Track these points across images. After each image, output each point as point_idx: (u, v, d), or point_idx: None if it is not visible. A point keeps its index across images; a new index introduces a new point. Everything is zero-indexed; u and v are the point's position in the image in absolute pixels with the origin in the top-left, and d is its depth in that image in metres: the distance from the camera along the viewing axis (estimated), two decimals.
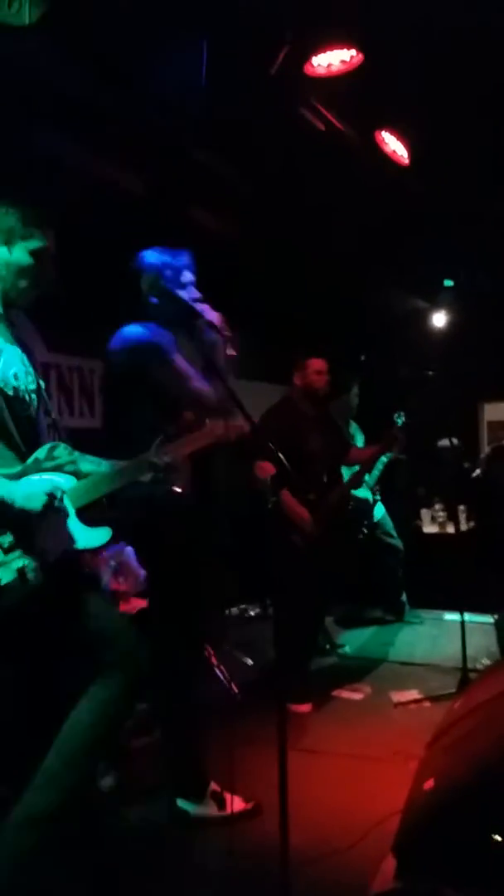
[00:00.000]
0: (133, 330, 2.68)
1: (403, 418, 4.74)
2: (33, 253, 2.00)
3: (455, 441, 4.80)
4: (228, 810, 2.69)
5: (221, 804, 2.72)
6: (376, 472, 5.30)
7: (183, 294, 2.57)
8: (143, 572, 3.69)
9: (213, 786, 2.75)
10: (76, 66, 2.80)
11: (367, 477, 5.18)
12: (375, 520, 5.40)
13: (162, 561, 2.68)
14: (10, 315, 2.05)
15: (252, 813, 2.72)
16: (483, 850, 2.05)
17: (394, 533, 5.54)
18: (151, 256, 2.67)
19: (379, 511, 5.45)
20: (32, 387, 2.02)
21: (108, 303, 4.61)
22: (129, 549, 3.71)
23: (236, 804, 2.71)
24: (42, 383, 2.07)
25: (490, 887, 2.04)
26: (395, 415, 4.80)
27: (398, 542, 5.53)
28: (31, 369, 2.04)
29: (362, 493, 5.21)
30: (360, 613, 5.72)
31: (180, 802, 2.74)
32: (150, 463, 2.10)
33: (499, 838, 2.04)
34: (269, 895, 2.10)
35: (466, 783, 2.24)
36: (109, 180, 3.87)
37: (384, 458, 5.25)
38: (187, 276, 2.63)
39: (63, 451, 1.97)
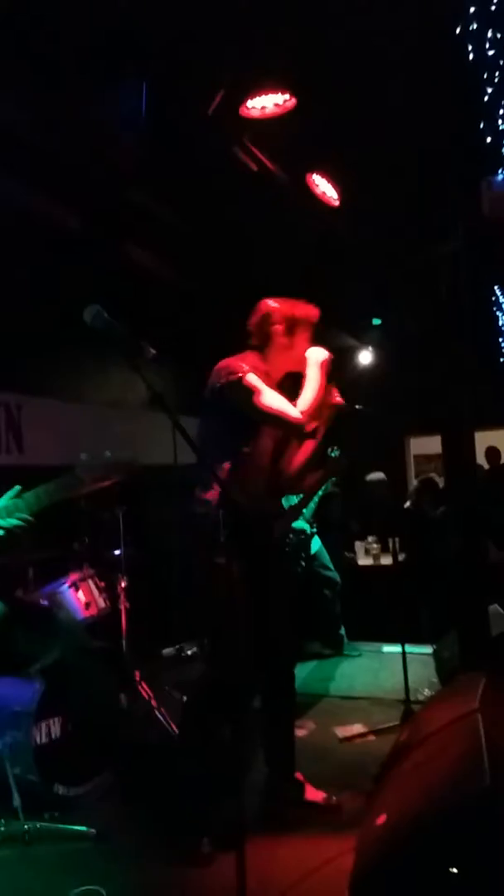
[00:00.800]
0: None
1: (338, 451, 4.83)
2: None
3: (379, 475, 4.91)
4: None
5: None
6: (312, 504, 5.33)
7: None
8: (78, 613, 3.58)
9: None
10: (14, 104, 2.78)
11: (304, 509, 5.20)
12: (312, 552, 5.42)
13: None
14: None
15: None
16: (441, 884, 2.02)
17: (330, 565, 5.57)
18: None
19: (315, 544, 5.47)
20: None
21: (35, 339, 4.57)
22: (65, 588, 3.59)
23: None
24: None
25: None
26: (329, 449, 4.88)
27: (335, 575, 5.56)
28: None
29: (299, 524, 5.23)
30: (299, 648, 5.69)
31: None
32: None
33: (455, 870, 2.02)
34: None
35: (420, 816, 2.22)
36: (44, 216, 3.84)
37: (320, 491, 5.29)
38: None
39: None
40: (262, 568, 2.85)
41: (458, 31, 2.76)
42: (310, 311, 3.00)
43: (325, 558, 5.56)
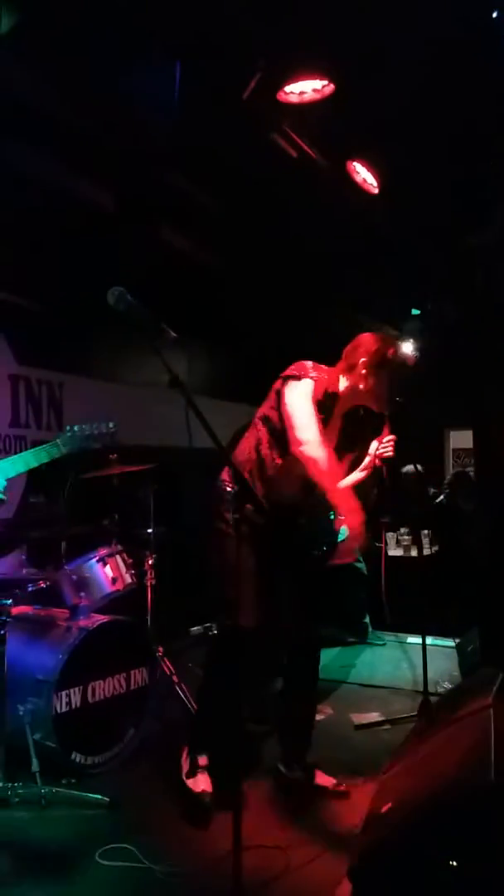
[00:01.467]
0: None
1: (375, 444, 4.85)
2: None
3: (419, 467, 4.87)
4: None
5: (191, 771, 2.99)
6: None
7: None
8: (106, 587, 3.67)
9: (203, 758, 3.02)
10: (49, 84, 2.83)
11: None
12: (338, 540, 5.42)
13: None
14: None
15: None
16: (438, 875, 2.04)
17: (359, 556, 5.57)
18: None
19: (343, 532, 5.47)
20: None
21: (77, 317, 4.67)
22: (93, 563, 3.68)
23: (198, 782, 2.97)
24: None
25: None
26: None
27: (362, 566, 5.55)
28: None
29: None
30: (322, 634, 5.71)
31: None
32: None
33: (454, 863, 2.03)
34: None
35: (423, 807, 2.24)
36: (82, 198, 3.90)
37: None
38: None
39: None
40: (273, 548, 2.88)
41: (495, 14, 2.69)
42: (404, 357, 3.01)
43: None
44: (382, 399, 2.98)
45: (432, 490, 5.19)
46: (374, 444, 3.07)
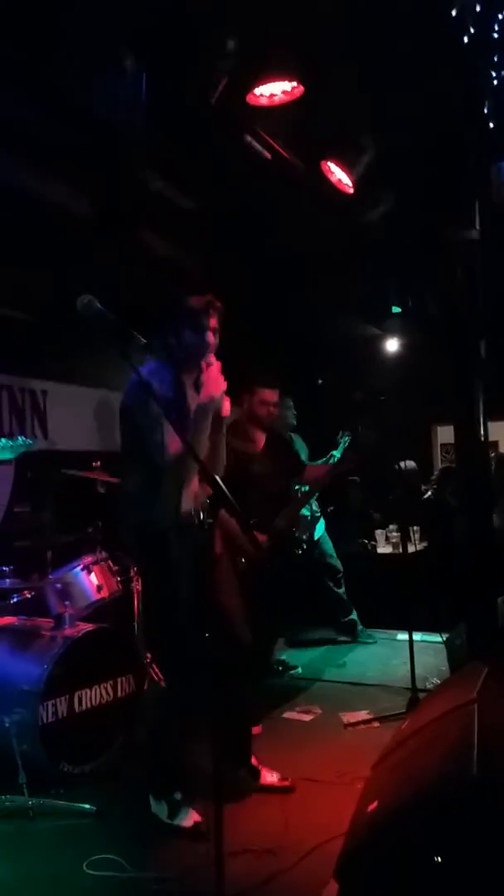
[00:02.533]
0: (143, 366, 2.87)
1: (347, 439, 4.88)
2: None
3: (411, 464, 4.88)
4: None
5: (173, 812, 2.85)
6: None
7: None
8: (91, 595, 3.66)
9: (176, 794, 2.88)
10: (19, 93, 2.82)
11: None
12: (315, 538, 5.42)
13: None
14: None
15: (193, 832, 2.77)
16: (424, 872, 2.04)
17: (332, 552, 5.57)
18: None
19: (318, 530, 5.47)
20: None
21: (59, 324, 4.65)
22: (77, 571, 3.67)
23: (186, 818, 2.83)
24: None
25: None
26: (339, 435, 4.94)
27: (337, 563, 5.56)
28: None
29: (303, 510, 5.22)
30: (312, 634, 5.72)
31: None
32: None
33: (439, 860, 2.03)
34: None
35: (408, 804, 2.24)
36: (59, 205, 3.89)
37: None
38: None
39: None
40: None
41: (454, 13, 2.70)
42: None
43: (328, 546, 5.56)
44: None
45: (424, 487, 5.19)
46: None
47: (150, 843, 2.76)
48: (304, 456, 5.43)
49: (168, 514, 2.79)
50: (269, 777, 3.15)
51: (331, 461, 4.91)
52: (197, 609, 2.79)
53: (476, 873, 1.98)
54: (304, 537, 5.05)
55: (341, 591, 5.58)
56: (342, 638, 5.61)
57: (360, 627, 5.63)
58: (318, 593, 5.51)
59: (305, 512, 5.20)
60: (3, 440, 3.21)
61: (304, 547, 5.05)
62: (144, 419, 2.74)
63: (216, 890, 2.02)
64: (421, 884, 2.03)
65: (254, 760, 3.16)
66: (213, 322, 2.88)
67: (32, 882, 2.55)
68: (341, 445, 5.01)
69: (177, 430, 2.44)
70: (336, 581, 5.56)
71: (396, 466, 5.30)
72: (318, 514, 5.36)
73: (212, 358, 2.86)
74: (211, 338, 2.87)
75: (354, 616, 5.64)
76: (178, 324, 2.90)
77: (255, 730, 3.69)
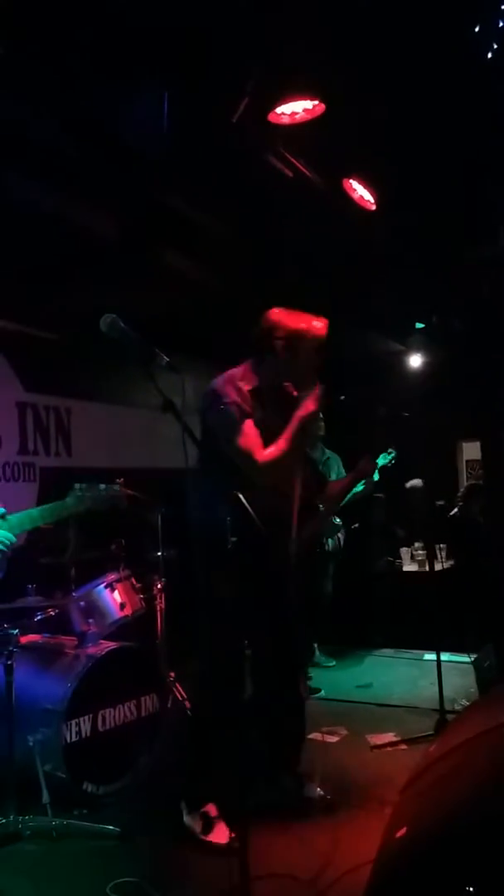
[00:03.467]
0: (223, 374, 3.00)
1: (391, 457, 4.88)
2: None
3: (417, 482, 4.85)
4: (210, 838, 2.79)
5: (207, 827, 2.81)
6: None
7: None
8: (114, 613, 3.65)
9: (211, 808, 2.84)
10: (44, 113, 2.86)
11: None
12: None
13: None
14: None
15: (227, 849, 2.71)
16: None
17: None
18: None
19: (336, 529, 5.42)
20: None
21: (83, 343, 4.70)
22: (101, 589, 3.66)
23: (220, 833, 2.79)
24: None
25: None
26: (386, 453, 4.93)
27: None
28: None
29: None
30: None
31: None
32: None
33: (471, 890, 1.97)
34: None
35: (439, 831, 2.18)
36: (84, 225, 3.93)
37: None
38: None
39: None
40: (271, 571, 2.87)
41: (476, 29, 2.70)
42: (316, 329, 2.94)
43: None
44: (305, 373, 2.96)
45: (439, 503, 5.12)
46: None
47: (174, 867, 2.72)
48: (336, 471, 5.38)
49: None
50: (311, 791, 3.14)
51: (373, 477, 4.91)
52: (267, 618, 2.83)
53: None
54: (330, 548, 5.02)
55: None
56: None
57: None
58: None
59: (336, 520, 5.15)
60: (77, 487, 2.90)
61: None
62: (223, 428, 2.84)
63: None
64: None
65: (299, 769, 3.18)
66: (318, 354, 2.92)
67: None
68: (381, 460, 4.99)
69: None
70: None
71: (408, 485, 5.26)
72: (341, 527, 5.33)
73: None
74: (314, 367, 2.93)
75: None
76: (286, 344, 2.91)
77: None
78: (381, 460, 5.09)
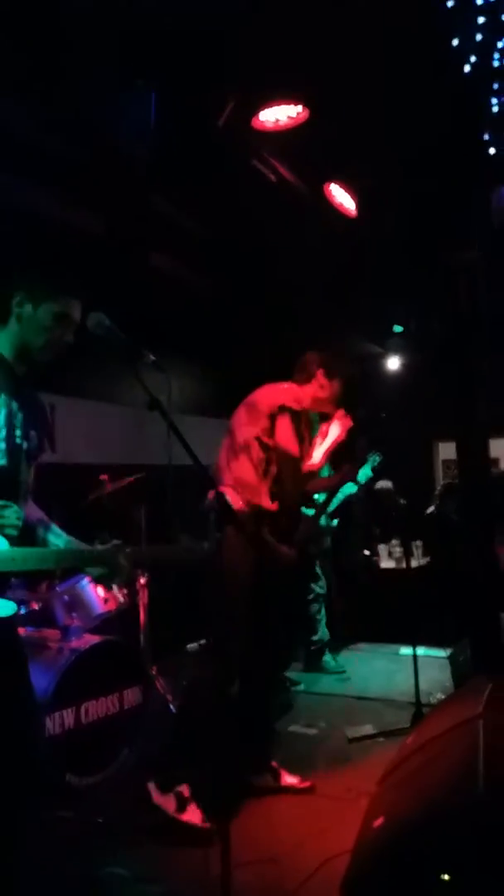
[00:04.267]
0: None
1: (377, 458, 4.99)
2: (56, 316, 2.15)
3: (386, 483, 4.99)
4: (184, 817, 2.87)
5: (181, 806, 2.89)
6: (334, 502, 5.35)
7: None
8: (98, 608, 3.70)
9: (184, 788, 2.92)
10: (32, 114, 2.90)
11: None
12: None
13: None
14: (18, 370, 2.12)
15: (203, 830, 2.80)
16: (431, 890, 2.05)
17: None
18: None
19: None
20: (17, 444, 2.05)
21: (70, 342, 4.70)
22: (84, 584, 3.70)
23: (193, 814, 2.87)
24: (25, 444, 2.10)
25: None
26: (368, 454, 5.05)
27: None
28: (19, 425, 2.07)
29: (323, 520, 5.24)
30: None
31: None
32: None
33: (447, 877, 2.05)
34: None
35: (414, 820, 2.25)
36: (72, 224, 3.96)
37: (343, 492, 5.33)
38: None
39: (10, 513, 1.96)
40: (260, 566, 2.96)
41: (455, 42, 2.78)
42: (348, 368, 3.46)
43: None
44: (335, 401, 3.42)
45: (404, 502, 5.21)
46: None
47: (156, 855, 2.78)
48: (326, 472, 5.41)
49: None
50: (289, 779, 3.26)
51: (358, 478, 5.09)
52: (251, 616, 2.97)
53: (483, 891, 2.00)
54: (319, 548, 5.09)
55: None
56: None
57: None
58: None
59: (322, 522, 5.24)
60: None
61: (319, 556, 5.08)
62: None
63: None
64: None
65: (273, 763, 3.29)
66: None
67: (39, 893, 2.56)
68: (369, 464, 5.12)
69: None
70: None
71: (377, 487, 5.36)
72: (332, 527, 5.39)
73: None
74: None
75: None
76: (326, 374, 3.38)
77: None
78: (369, 464, 5.22)
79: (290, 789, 3.23)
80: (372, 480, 5.50)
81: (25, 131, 3.16)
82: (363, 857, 2.28)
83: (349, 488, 5.26)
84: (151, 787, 2.94)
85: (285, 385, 3.33)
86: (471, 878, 2.00)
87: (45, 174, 3.37)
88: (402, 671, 5.06)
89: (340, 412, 3.45)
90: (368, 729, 3.98)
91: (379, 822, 2.33)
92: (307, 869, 2.60)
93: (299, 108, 3.13)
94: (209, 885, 2.28)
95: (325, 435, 3.43)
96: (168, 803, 2.91)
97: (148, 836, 2.91)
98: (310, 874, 2.57)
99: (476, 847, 2.01)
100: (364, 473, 5.23)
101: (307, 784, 3.26)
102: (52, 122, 3.08)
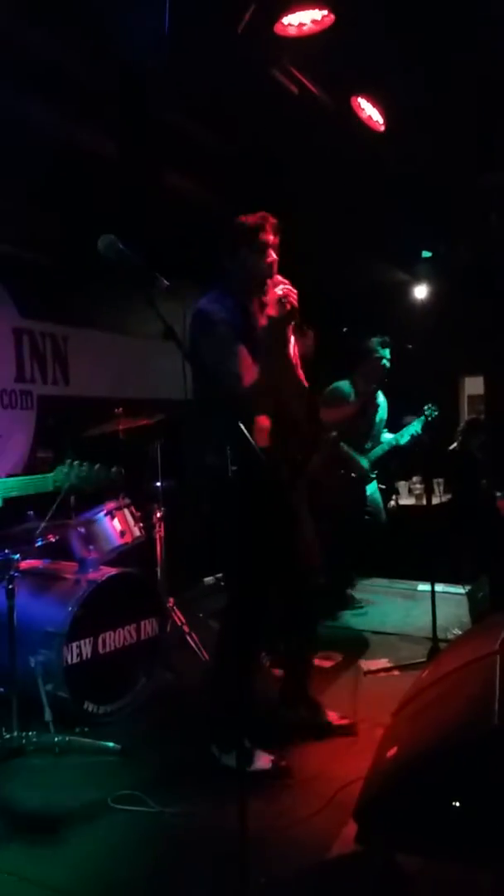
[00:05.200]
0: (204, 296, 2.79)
1: (433, 412, 4.79)
2: None
3: (411, 418, 4.84)
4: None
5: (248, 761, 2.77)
6: (379, 450, 5.14)
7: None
8: (114, 540, 3.69)
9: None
10: (37, 25, 2.71)
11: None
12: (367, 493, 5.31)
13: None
14: None
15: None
16: (441, 816, 2.06)
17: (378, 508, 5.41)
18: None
19: (370, 488, 5.35)
20: None
21: (81, 269, 4.59)
22: (101, 517, 3.69)
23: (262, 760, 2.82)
24: None
25: (447, 853, 2.07)
26: (427, 408, 4.85)
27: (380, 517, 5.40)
28: None
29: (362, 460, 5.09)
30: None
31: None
32: None
33: (457, 804, 2.06)
34: (227, 863, 2.11)
35: (428, 751, 2.26)
36: (83, 146, 3.78)
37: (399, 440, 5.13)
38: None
39: None
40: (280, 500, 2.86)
41: None
42: (262, 217, 2.83)
43: (379, 505, 5.40)
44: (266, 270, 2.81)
45: (425, 437, 4.97)
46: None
47: (173, 781, 2.82)
48: (383, 412, 5.22)
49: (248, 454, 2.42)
50: (329, 715, 3.19)
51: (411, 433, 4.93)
52: (276, 547, 2.81)
53: (493, 819, 2.00)
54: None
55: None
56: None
57: (353, 598, 5.40)
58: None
59: (364, 462, 5.05)
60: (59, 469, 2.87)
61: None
62: (211, 351, 2.65)
63: (239, 827, 2.05)
64: (438, 827, 2.06)
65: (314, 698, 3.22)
66: (271, 238, 2.77)
67: (60, 814, 2.62)
68: (423, 417, 4.89)
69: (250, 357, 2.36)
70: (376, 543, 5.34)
71: (404, 420, 5.19)
72: (374, 474, 5.23)
73: (277, 277, 2.74)
74: (271, 255, 2.76)
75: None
76: (234, 246, 2.80)
77: (277, 672, 3.73)
78: (426, 414, 4.96)
79: (330, 725, 3.15)
80: (397, 414, 5.29)
81: (31, 44, 2.96)
82: (377, 785, 2.30)
83: (403, 439, 5.02)
84: (214, 749, 2.90)
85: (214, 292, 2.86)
86: (482, 805, 2.01)
87: (51, 90, 3.18)
88: (419, 607, 5.06)
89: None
90: (384, 662, 3.99)
91: (393, 751, 2.34)
92: (323, 798, 2.63)
93: (325, 11, 2.90)
94: (226, 809, 2.31)
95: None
96: (232, 762, 2.83)
97: (163, 761, 2.96)
98: (326, 802, 2.60)
99: (488, 776, 2.01)
100: (413, 428, 5.00)
101: (346, 721, 3.17)
102: (58, 33, 2.88)
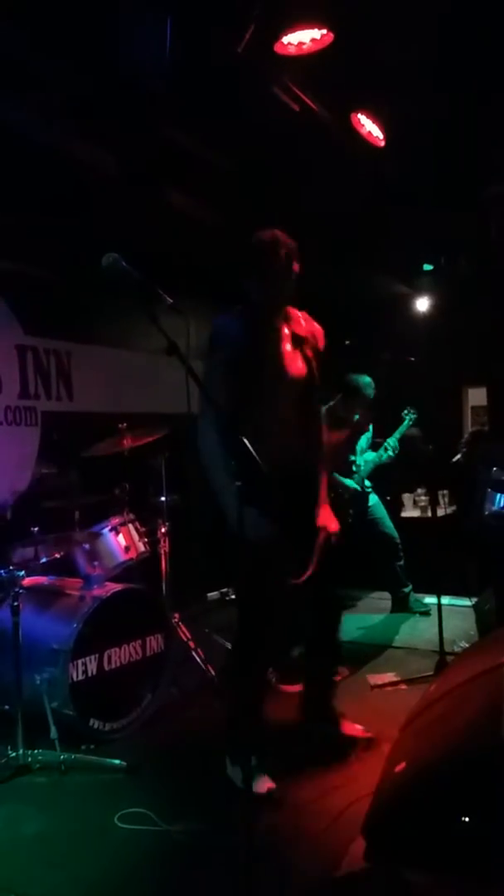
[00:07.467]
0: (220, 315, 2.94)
1: (414, 416, 4.86)
2: None
3: (417, 430, 4.88)
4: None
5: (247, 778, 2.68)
6: (370, 464, 5.22)
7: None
8: (119, 556, 3.69)
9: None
10: (43, 42, 2.75)
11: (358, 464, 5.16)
12: (368, 506, 5.31)
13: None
14: None
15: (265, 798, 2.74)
16: (450, 832, 2.05)
17: (386, 523, 5.41)
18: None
19: (371, 500, 5.36)
20: None
21: (84, 285, 4.62)
22: (105, 532, 3.69)
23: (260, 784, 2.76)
24: None
25: (456, 869, 2.05)
26: (405, 412, 4.91)
27: (392, 532, 5.39)
28: None
29: (349, 482, 5.12)
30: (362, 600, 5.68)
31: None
32: None
33: (466, 820, 2.04)
34: (235, 880, 2.10)
35: (436, 766, 2.24)
36: (85, 162, 3.82)
37: (382, 453, 5.19)
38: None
39: None
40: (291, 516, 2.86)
41: None
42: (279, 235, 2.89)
43: (381, 516, 5.41)
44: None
45: (429, 448, 4.99)
46: None
47: (179, 798, 2.81)
48: (367, 436, 5.28)
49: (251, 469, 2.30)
50: (351, 728, 3.18)
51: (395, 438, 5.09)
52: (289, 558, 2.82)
53: (501, 832, 1.98)
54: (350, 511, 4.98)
55: (399, 562, 5.38)
56: (394, 609, 5.43)
57: (412, 598, 5.43)
58: (368, 563, 5.39)
59: (352, 483, 5.10)
60: None
61: (350, 521, 4.97)
62: (204, 371, 2.74)
63: (245, 844, 2.03)
64: (447, 843, 2.04)
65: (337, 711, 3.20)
66: (285, 262, 2.82)
67: (66, 832, 2.61)
68: (406, 423, 5.00)
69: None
70: (392, 552, 5.38)
71: (407, 434, 5.24)
72: (370, 488, 5.27)
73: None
74: (286, 279, 2.83)
75: (408, 589, 5.44)
76: (247, 269, 2.85)
77: (295, 688, 3.68)
78: (404, 424, 5.09)
79: (351, 739, 3.12)
80: (397, 426, 5.33)
81: (34, 61, 3.00)
82: (385, 801, 2.28)
83: (382, 457, 5.12)
84: (227, 759, 2.91)
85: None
86: (491, 821, 1.99)
87: (54, 106, 3.21)
88: (426, 620, 5.05)
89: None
90: (391, 676, 3.97)
91: (401, 766, 2.32)
92: (331, 814, 2.61)
93: (323, 30, 2.93)
94: (233, 827, 2.29)
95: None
96: (236, 776, 2.86)
97: (169, 778, 2.94)
98: (333, 819, 2.58)
99: (496, 791, 1.99)
100: (398, 432, 5.14)
101: (369, 734, 3.14)
102: (61, 51, 2.91)
